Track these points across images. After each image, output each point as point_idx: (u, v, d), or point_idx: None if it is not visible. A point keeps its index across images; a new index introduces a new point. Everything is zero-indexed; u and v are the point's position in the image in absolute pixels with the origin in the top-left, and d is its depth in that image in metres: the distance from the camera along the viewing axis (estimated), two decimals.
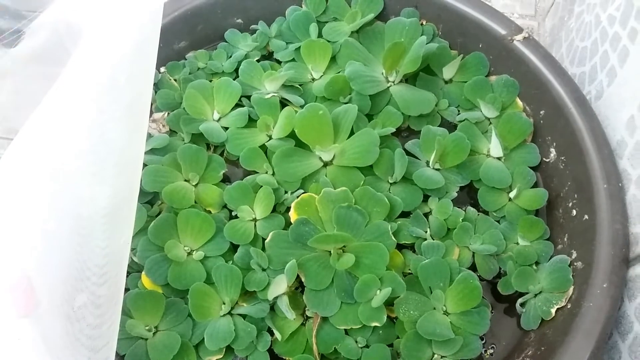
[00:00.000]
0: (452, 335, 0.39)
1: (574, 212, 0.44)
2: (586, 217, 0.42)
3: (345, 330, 0.41)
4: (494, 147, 0.48)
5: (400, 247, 0.44)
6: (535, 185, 0.47)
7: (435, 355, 0.40)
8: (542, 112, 0.48)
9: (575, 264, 0.42)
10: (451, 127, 0.50)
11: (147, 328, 0.40)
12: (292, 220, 0.42)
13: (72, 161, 0.36)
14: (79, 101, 0.37)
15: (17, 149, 0.35)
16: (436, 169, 0.47)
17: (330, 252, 0.41)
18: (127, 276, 0.42)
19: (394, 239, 0.42)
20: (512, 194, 0.46)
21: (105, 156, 0.37)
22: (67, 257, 0.34)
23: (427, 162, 0.47)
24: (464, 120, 0.49)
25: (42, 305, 0.33)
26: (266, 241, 0.42)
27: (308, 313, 0.41)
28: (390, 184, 0.46)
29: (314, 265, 0.41)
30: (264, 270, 0.42)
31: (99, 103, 0.38)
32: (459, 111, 0.51)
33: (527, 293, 0.42)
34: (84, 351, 0.34)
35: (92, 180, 0.37)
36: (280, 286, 0.40)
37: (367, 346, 0.40)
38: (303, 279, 0.40)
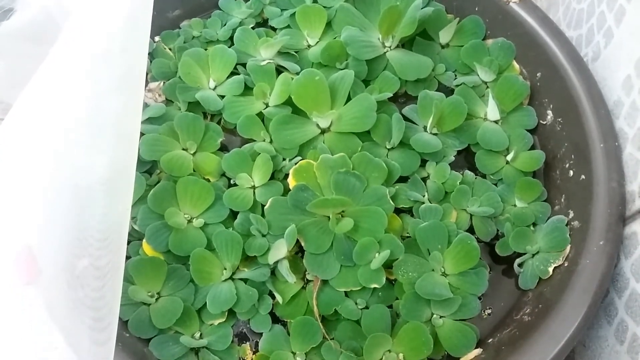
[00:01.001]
0: (450, 295, 0.40)
1: (571, 172, 0.44)
2: (583, 177, 0.42)
3: (345, 292, 0.41)
4: (491, 111, 0.48)
5: (398, 211, 0.44)
6: (533, 148, 0.47)
7: (434, 315, 0.41)
8: (538, 75, 0.48)
9: (572, 223, 0.42)
10: (448, 91, 0.50)
11: (149, 294, 0.40)
12: (291, 186, 0.42)
13: (69, 132, 0.36)
14: (73, 72, 0.37)
15: (14, 121, 0.35)
16: (434, 134, 0.47)
17: (329, 217, 0.41)
18: (128, 244, 0.43)
19: (392, 203, 0.42)
20: (509, 157, 0.46)
21: (102, 126, 0.37)
22: (67, 225, 0.35)
23: (425, 127, 0.47)
24: (460, 85, 0.49)
25: (45, 273, 0.33)
26: (265, 207, 0.42)
27: (308, 277, 0.42)
28: (388, 149, 0.46)
29: (313, 230, 0.41)
30: (263, 235, 0.42)
31: (93, 73, 0.38)
32: (455, 76, 0.51)
33: (524, 254, 0.43)
34: (87, 317, 0.34)
35: (89, 150, 0.37)
36: (280, 251, 0.40)
37: (366, 307, 0.41)
38: (303, 244, 0.41)
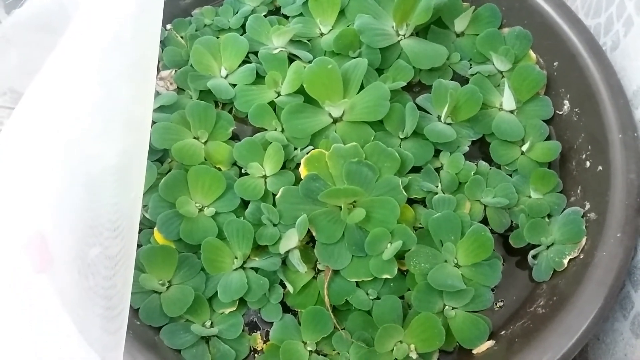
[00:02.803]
0: (463, 287, 0.39)
1: (588, 163, 0.43)
2: (600, 168, 0.42)
3: (356, 282, 0.41)
4: (507, 100, 0.47)
5: (411, 201, 0.44)
6: (549, 139, 0.46)
7: (447, 307, 0.40)
8: (555, 64, 0.47)
9: (588, 215, 0.41)
10: (463, 80, 0.49)
11: (160, 282, 0.40)
12: (302, 176, 0.42)
13: (80, 119, 0.36)
14: (83, 60, 0.37)
15: (25, 110, 0.35)
16: (448, 123, 0.46)
17: (340, 207, 0.41)
18: (139, 232, 0.43)
19: (404, 193, 0.41)
20: (524, 147, 0.45)
21: (113, 113, 0.37)
22: (79, 213, 0.35)
23: (439, 117, 0.46)
24: (476, 74, 0.48)
25: (57, 262, 0.33)
26: (277, 197, 0.42)
27: (319, 266, 0.41)
28: (401, 139, 0.46)
29: (325, 220, 0.41)
30: (274, 225, 0.42)
31: (104, 61, 0.38)
32: (470, 65, 0.50)
33: (539, 245, 0.42)
34: (99, 305, 0.34)
35: (100, 138, 0.37)
36: (291, 240, 0.40)
37: (377, 298, 0.40)
38: (314, 233, 0.40)
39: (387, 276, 0.39)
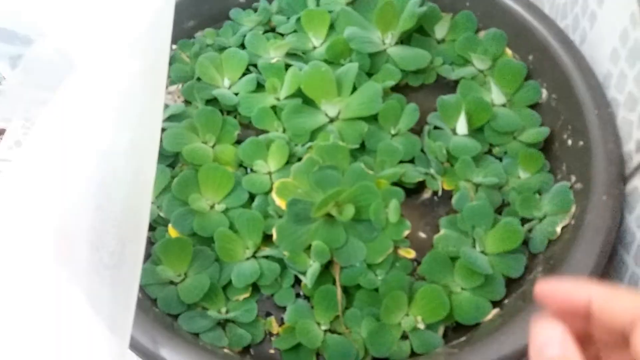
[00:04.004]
0: (490, 271, 0.41)
1: (569, 142, 0.46)
2: (581, 142, 0.45)
3: (367, 265, 0.42)
4: (496, 96, 0.50)
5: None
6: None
7: (454, 283, 0.42)
8: (530, 57, 0.51)
9: (575, 186, 0.44)
10: (445, 83, 0.53)
11: (176, 274, 0.42)
12: (282, 206, 0.44)
13: (96, 116, 0.39)
14: (99, 70, 0.40)
15: (49, 116, 0.38)
16: (464, 135, 0.48)
17: (329, 213, 0.42)
18: (154, 230, 0.45)
19: (369, 172, 0.44)
20: (515, 133, 0.48)
21: (126, 109, 0.40)
22: (94, 199, 0.37)
23: (453, 130, 0.49)
24: (461, 79, 0.52)
25: (76, 253, 0.36)
26: (274, 238, 0.43)
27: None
28: (393, 134, 0.49)
29: (324, 231, 0.42)
30: (280, 216, 0.44)
31: (119, 71, 0.41)
32: (453, 68, 0.55)
33: (532, 220, 0.45)
34: (110, 289, 0.36)
35: (114, 127, 0.39)
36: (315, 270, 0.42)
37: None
38: (324, 246, 0.42)
39: (407, 232, 0.42)
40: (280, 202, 0.44)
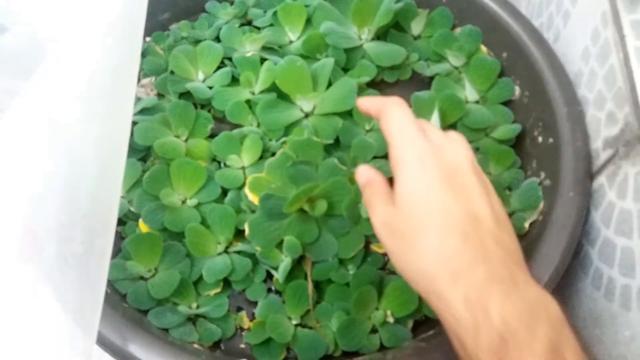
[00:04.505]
0: None
1: (540, 139, 0.47)
2: (551, 140, 0.45)
3: (339, 260, 0.43)
4: (469, 93, 0.51)
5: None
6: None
7: None
8: (504, 55, 0.52)
9: (544, 182, 0.45)
10: (420, 79, 0.54)
11: (147, 269, 0.42)
12: (255, 202, 0.43)
13: (64, 108, 0.38)
14: (70, 56, 0.40)
15: (19, 104, 0.38)
16: None
17: (302, 208, 0.42)
18: (124, 224, 0.45)
19: (342, 167, 0.44)
20: (488, 129, 0.49)
21: (96, 103, 0.40)
22: (61, 192, 0.36)
23: None
24: (435, 76, 0.53)
25: (43, 249, 0.35)
26: (246, 234, 0.43)
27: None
28: (367, 130, 0.49)
29: (297, 226, 0.42)
30: (252, 211, 0.44)
31: (89, 58, 0.41)
32: (428, 64, 0.55)
33: None
34: (77, 285, 0.35)
35: (83, 125, 0.39)
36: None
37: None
38: (297, 241, 0.42)
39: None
40: (253, 198, 0.44)
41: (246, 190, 0.44)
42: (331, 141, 0.47)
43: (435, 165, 0.30)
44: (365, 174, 0.35)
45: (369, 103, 0.36)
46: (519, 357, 0.24)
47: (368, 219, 0.42)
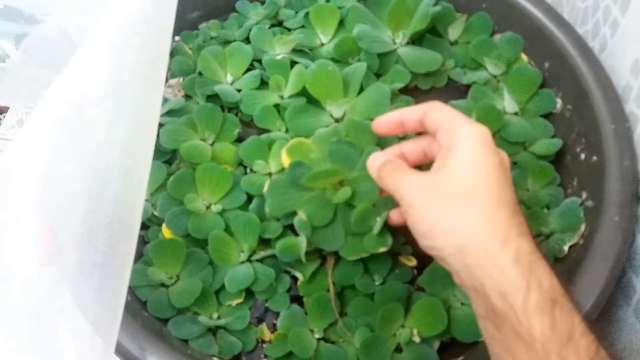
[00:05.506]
0: None
1: (583, 156, 0.45)
2: (595, 158, 0.43)
3: (364, 268, 0.41)
4: (509, 104, 0.48)
5: None
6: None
7: (453, 298, 0.41)
8: (546, 65, 0.49)
9: (585, 203, 0.42)
10: (456, 87, 0.52)
11: (168, 276, 0.41)
12: (285, 165, 0.42)
13: (89, 108, 0.37)
14: (96, 54, 0.39)
15: (41, 106, 0.37)
16: None
17: (326, 191, 0.40)
18: (147, 229, 0.44)
19: None
20: (527, 143, 0.47)
21: (122, 104, 0.39)
22: (86, 197, 0.36)
23: None
24: (472, 84, 0.50)
25: (64, 252, 0.34)
26: (264, 190, 0.42)
27: (325, 252, 0.42)
28: (399, 138, 0.47)
29: (314, 204, 0.40)
30: (277, 220, 0.43)
31: (116, 57, 0.40)
32: (465, 72, 0.53)
33: (539, 235, 0.43)
34: (97, 290, 0.35)
35: (108, 127, 0.38)
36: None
37: (383, 283, 0.41)
38: (305, 218, 0.40)
39: (383, 249, 0.39)
40: (286, 161, 0.42)
41: (283, 151, 0.43)
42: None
43: (494, 148, 0.32)
44: (378, 157, 0.37)
45: (390, 116, 0.38)
46: (571, 321, 0.27)
47: (376, 235, 0.40)
